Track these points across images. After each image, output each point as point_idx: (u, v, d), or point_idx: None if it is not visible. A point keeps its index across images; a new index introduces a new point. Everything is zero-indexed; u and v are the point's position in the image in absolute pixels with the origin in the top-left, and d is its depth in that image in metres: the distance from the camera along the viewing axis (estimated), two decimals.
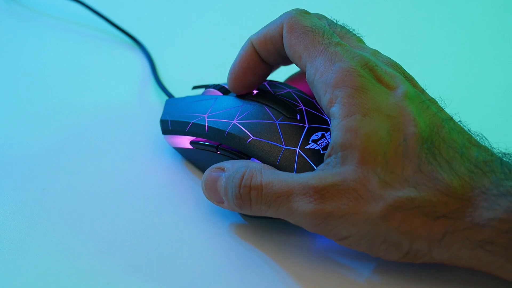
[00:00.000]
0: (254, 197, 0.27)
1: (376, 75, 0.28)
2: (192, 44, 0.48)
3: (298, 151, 0.29)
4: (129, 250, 0.29)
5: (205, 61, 0.46)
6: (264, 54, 0.31)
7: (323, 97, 0.27)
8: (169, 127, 0.34)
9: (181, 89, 0.40)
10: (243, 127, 0.30)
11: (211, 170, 0.30)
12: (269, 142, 0.29)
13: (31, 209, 0.31)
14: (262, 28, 0.31)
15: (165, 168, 0.35)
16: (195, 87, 0.37)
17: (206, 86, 0.36)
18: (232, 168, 0.29)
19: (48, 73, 0.43)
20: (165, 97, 0.40)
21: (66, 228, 0.30)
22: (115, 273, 0.28)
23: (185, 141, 0.33)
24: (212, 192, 0.30)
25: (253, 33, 0.32)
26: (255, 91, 0.33)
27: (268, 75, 0.33)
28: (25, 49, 0.46)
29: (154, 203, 0.32)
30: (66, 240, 0.30)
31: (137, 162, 0.35)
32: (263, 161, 0.29)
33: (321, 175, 0.26)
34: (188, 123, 0.32)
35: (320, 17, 0.32)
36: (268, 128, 0.30)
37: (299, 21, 0.29)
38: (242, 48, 0.32)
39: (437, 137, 0.26)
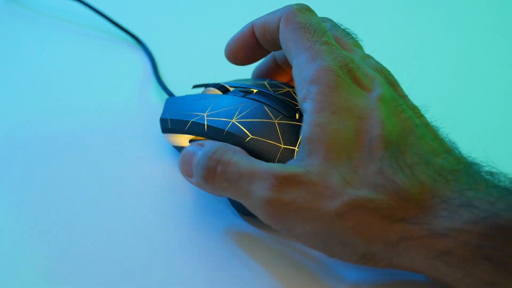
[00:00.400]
0: (219, 171, 0.27)
1: (354, 76, 0.28)
2: (193, 43, 0.48)
3: (297, 151, 0.29)
4: (129, 249, 0.29)
5: (206, 60, 0.46)
6: (261, 39, 0.32)
7: (299, 93, 0.28)
8: (169, 125, 0.34)
9: (182, 88, 0.40)
10: (242, 126, 0.30)
11: (191, 145, 0.30)
12: (268, 141, 0.29)
13: (31, 209, 0.31)
14: (264, 15, 0.32)
15: (165, 167, 0.35)
16: (195, 86, 0.37)
17: (206, 85, 0.36)
18: (211, 146, 0.29)
19: (49, 72, 0.44)
20: (166, 96, 0.40)
21: (66, 228, 0.30)
22: (115, 272, 0.28)
23: (184, 140, 0.33)
24: (185, 165, 0.30)
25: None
26: (254, 90, 0.33)
27: (261, 58, 0.35)
28: (25, 49, 0.46)
29: (153, 202, 0.32)
30: (66, 239, 0.30)
31: (137, 161, 0.35)
32: (262, 160, 0.29)
33: (286, 165, 0.26)
34: (188, 121, 0.32)
35: (325, 20, 0.33)
36: (267, 127, 0.30)
37: (295, 16, 0.30)
38: (243, 28, 0.33)
39: (404, 142, 0.25)
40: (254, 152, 0.29)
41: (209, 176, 0.28)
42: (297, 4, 0.31)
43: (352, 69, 0.28)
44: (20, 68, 0.44)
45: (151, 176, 0.34)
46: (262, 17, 0.32)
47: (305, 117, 0.27)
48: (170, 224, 0.31)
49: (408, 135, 0.26)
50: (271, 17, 0.31)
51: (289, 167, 0.26)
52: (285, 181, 0.25)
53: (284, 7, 0.31)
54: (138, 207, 0.32)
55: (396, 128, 0.26)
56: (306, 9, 0.31)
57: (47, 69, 0.44)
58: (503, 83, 0.45)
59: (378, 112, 0.26)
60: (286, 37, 0.29)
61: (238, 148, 0.29)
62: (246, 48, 0.33)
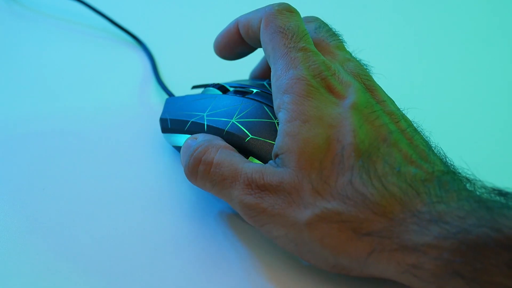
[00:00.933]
0: (201, 172, 0.28)
1: (328, 84, 0.28)
2: (193, 43, 0.48)
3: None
4: (128, 249, 0.29)
5: (206, 60, 0.45)
6: (245, 37, 0.32)
7: (274, 102, 0.28)
8: (169, 125, 0.34)
9: (182, 88, 0.40)
10: (242, 126, 0.30)
11: (190, 137, 0.31)
12: (268, 141, 0.29)
13: (31, 209, 0.31)
14: (249, 13, 0.32)
15: (165, 167, 0.35)
16: (194, 87, 0.37)
17: (206, 86, 0.36)
18: (198, 141, 0.30)
19: (49, 72, 0.44)
20: (166, 96, 0.40)
21: (66, 228, 0.30)
22: (114, 272, 0.28)
23: (184, 140, 0.33)
24: (182, 156, 0.31)
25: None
26: (254, 90, 0.33)
27: (248, 53, 0.35)
28: (25, 49, 0.46)
29: (153, 202, 0.32)
30: (66, 239, 0.30)
31: (137, 161, 0.35)
32: (262, 159, 0.29)
33: (264, 171, 0.27)
34: (187, 121, 0.32)
35: (312, 19, 0.32)
36: (267, 127, 0.30)
37: (275, 19, 0.30)
38: (229, 24, 0.33)
39: (375, 151, 0.25)
40: (254, 152, 0.29)
41: (191, 175, 0.29)
42: (278, 4, 0.30)
43: (326, 77, 0.28)
44: (20, 68, 0.44)
45: (151, 176, 0.34)
46: (246, 15, 0.32)
47: (279, 126, 0.27)
48: (169, 224, 0.31)
49: (380, 143, 0.25)
50: (253, 17, 0.31)
51: (267, 174, 0.26)
52: (264, 189, 0.26)
53: (265, 7, 0.31)
54: (138, 207, 0.32)
55: (368, 136, 0.26)
56: (287, 10, 0.30)
57: (47, 69, 0.44)
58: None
59: (350, 120, 0.26)
60: (265, 41, 0.30)
61: (222, 143, 0.29)
62: (232, 44, 0.33)
